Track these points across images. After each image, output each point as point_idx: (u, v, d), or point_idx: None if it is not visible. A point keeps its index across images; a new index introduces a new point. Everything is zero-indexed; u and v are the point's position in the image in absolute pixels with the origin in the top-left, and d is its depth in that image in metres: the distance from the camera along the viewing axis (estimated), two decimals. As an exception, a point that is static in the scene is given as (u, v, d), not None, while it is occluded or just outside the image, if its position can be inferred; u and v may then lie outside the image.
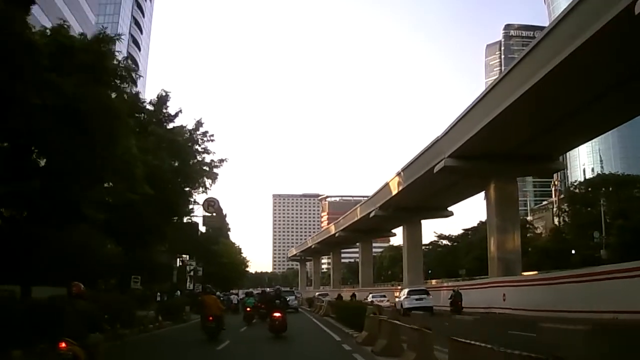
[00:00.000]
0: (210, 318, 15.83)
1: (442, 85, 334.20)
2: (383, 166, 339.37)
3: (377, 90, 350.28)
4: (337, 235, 77.00)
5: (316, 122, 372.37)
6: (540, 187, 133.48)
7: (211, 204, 32.73)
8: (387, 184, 49.92)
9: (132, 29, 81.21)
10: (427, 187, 42.95)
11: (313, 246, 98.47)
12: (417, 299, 30.01)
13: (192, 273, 54.09)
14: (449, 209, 55.85)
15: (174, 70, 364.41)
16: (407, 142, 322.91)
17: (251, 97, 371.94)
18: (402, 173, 44.92)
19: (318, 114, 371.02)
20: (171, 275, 43.79)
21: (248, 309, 24.23)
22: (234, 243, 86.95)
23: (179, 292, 35.72)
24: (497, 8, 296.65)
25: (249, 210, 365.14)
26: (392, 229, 69.78)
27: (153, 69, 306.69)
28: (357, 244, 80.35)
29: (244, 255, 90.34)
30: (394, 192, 47.65)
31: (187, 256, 65.06)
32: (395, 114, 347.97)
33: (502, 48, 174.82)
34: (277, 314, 16.88)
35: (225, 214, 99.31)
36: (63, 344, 6.75)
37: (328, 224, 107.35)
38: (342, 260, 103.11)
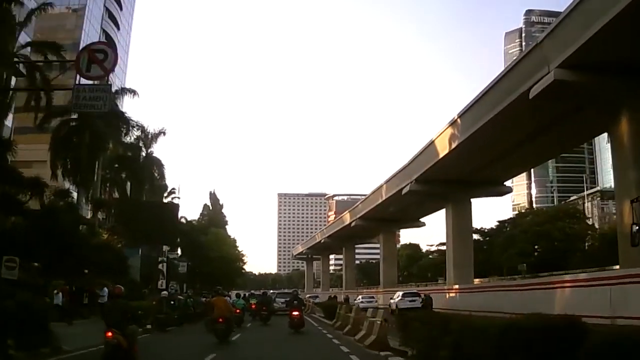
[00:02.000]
0: (221, 320, 16.14)
1: (448, 82, 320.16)
2: (390, 164, 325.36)
3: (383, 88, 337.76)
4: (353, 225, 63.04)
5: (322, 120, 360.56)
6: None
7: (96, 57, 12.69)
8: (432, 143, 35.83)
9: (104, 22, 66.44)
10: (499, 137, 29.15)
11: (323, 241, 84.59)
12: (410, 301, 32.50)
13: (161, 266, 40.23)
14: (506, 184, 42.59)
15: (173, 70, 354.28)
16: (413, 140, 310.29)
17: (256, 95, 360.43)
18: (458, 120, 31.29)
19: (325, 112, 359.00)
20: (125, 267, 30.57)
21: (238, 310, 23.45)
22: (228, 235, 73.90)
23: (105, 290, 22.15)
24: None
25: (253, 210, 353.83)
26: (428, 213, 55.03)
27: (147, 67, 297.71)
28: (376, 238, 66.30)
29: (239, 249, 77.18)
30: (443, 152, 33.87)
31: (168, 248, 52.25)
32: (402, 112, 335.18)
33: (523, 35, 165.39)
34: (295, 313, 20.25)
35: (222, 204, 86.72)
36: (109, 333, 8.82)
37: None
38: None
